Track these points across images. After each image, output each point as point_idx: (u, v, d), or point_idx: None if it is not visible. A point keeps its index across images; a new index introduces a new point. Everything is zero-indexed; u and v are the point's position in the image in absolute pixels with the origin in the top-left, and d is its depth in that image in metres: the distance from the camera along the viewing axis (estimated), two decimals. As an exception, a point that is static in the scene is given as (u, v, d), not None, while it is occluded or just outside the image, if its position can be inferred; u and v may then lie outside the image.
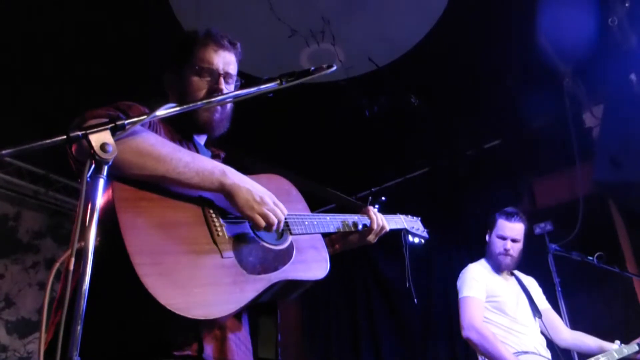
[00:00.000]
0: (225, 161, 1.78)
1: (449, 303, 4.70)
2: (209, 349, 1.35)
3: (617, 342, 3.15)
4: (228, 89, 1.67)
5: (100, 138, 1.12)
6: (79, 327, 0.99)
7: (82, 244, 1.24)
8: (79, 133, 1.11)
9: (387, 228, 2.01)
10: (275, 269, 1.49)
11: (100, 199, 1.29)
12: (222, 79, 1.67)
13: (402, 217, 2.28)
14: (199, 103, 1.47)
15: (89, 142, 1.11)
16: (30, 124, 3.93)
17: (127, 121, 1.20)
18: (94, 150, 1.10)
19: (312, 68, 1.53)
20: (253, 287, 1.40)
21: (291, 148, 4.81)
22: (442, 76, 4.30)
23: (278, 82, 1.49)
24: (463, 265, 3.45)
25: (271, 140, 4.71)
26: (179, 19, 3.64)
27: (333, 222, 1.84)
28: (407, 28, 3.90)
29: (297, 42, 3.82)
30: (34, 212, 5.45)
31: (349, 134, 4.86)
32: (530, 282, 3.48)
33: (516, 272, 3.45)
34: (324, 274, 1.63)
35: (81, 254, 1.05)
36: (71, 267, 1.02)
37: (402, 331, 5.33)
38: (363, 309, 5.65)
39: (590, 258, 3.44)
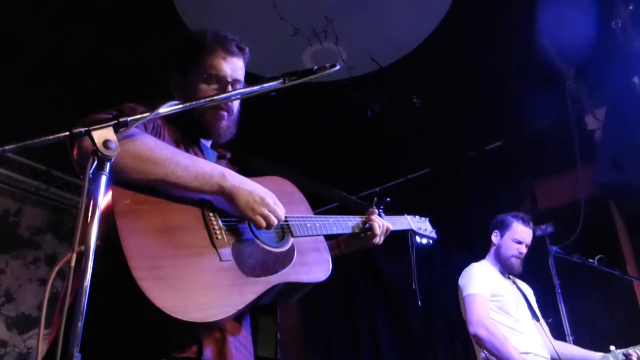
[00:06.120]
0: (232, 161, 1.76)
1: (449, 304, 4.69)
2: (208, 351, 1.34)
3: (612, 347, 3.14)
4: None
5: (103, 135, 1.12)
6: (80, 324, 0.99)
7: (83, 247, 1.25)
8: (82, 129, 1.11)
9: (392, 228, 1.98)
10: (276, 271, 1.49)
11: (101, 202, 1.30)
12: (230, 87, 1.64)
13: (409, 217, 2.24)
14: (201, 101, 1.42)
15: (92, 138, 1.11)
16: (32, 120, 3.93)
17: (129, 118, 1.20)
18: (97, 147, 1.10)
19: (315, 67, 1.52)
20: (252, 289, 1.40)
21: (292, 147, 4.80)
22: (445, 77, 4.30)
23: (281, 81, 1.48)
24: (464, 266, 3.44)
25: (272, 140, 4.70)
26: (183, 17, 3.65)
27: (336, 224, 1.82)
28: (410, 28, 3.90)
29: (300, 41, 3.82)
30: (36, 208, 5.45)
31: (350, 133, 4.85)
32: (528, 289, 3.48)
33: (513, 277, 3.44)
34: (326, 276, 1.62)
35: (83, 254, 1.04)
36: (72, 263, 1.02)
37: (402, 331, 5.33)
38: (363, 308, 5.65)
39: (591, 261, 3.44)
